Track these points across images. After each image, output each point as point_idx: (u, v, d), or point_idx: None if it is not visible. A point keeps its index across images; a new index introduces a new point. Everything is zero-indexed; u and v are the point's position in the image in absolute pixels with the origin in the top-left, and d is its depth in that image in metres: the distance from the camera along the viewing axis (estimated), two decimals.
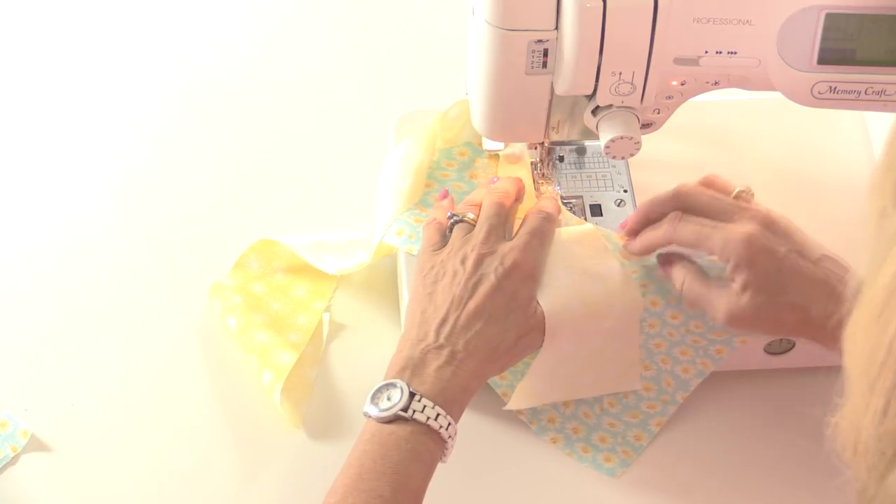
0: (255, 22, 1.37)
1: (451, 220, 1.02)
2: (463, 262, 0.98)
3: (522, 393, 1.01)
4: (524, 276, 0.97)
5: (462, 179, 1.11)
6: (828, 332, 0.96)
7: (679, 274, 1.01)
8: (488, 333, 0.95)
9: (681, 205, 1.01)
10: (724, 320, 0.99)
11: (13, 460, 1.03)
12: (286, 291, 1.13)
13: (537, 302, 0.98)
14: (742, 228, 0.98)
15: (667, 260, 1.03)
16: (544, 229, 1.01)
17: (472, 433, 1.03)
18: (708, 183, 1.04)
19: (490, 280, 0.96)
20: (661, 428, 1.04)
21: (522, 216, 1.04)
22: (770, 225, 0.98)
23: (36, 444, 1.04)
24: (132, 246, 1.18)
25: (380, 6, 1.39)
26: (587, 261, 1.01)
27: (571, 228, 1.04)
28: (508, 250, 0.98)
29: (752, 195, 1.04)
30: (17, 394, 1.07)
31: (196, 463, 1.04)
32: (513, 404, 1.02)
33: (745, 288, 0.97)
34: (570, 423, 1.04)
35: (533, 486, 1.03)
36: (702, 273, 1.01)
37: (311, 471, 1.03)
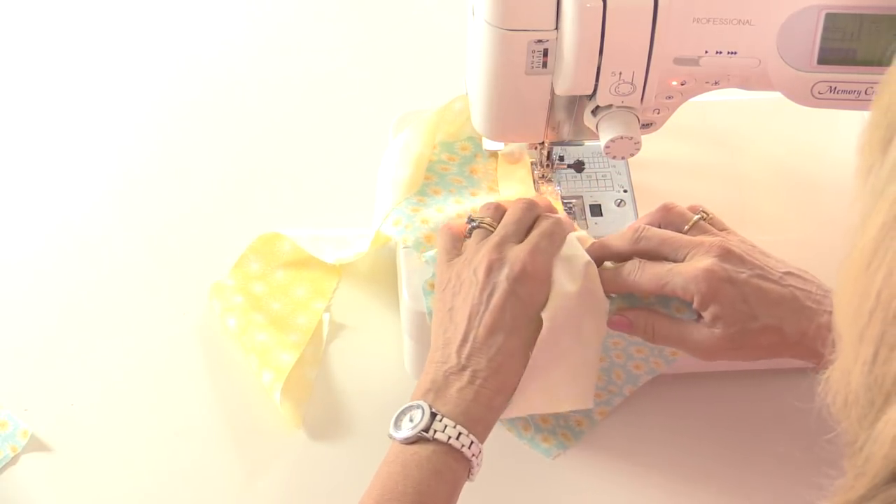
0: (254, 22, 1.37)
1: (470, 226, 1.02)
2: (475, 271, 0.97)
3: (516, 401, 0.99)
4: (536, 279, 0.96)
5: (462, 174, 1.11)
6: (804, 346, 0.96)
7: (644, 323, 1.00)
8: (510, 347, 0.94)
9: (635, 251, 1.00)
10: (703, 357, 0.98)
11: (13, 460, 1.03)
12: (286, 291, 1.13)
13: None
14: (699, 264, 0.97)
15: (620, 322, 1.00)
16: (554, 231, 0.99)
17: None
18: (665, 210, 1.03)
19: (503, 287, 0.95)
20: (604, 417, 1.04)
21: None
22: (726, 255, 0.97)
23: (36, 444, 1.04)
24: (132, 246, 1.18)
25: (380, 6, 1.39)
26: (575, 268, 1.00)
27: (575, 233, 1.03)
28: (517, 254, 0.96)
29: (711, 216, 1.03)
30: (17, 394, 1.07)
31: (196, 463, 1.04)
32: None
33: (715, 321, 0.96)
34: None
35: (530, 483, 1.03)
36: (666, 315, 1.00)
37: (311, 471, 1.03)
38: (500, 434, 1.05)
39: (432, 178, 1.10)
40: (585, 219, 1.09)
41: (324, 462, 1.04)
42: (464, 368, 0.92)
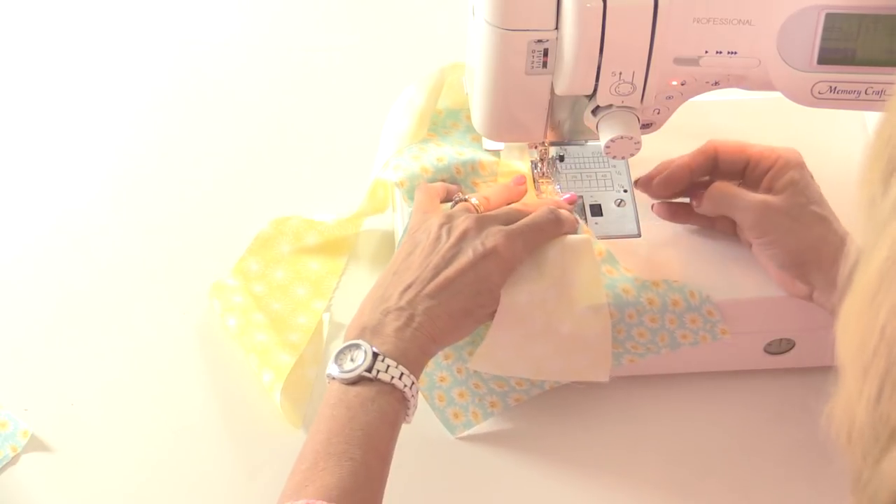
0: (255, 20, 1.37)
1: (456, 199, 1.03)
2: (449, 230, 0.98)
3: (485, 357, 1.00)
4: (501, 261, 0.97)
5: (464, 139, 1.11)
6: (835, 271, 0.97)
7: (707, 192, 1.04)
8: (450, 306, 0.95)
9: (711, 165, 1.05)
10: (755, 212, 1.00)
11: (13, 460, 1.03)
12: (286, 291, 1.13)
13: None
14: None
15: (660, 209, 1.07)
16: (544, 228, 1.00)
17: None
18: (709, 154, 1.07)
19: (467, 256, 0.96)
20: (518, 404, 1.04)
21: None
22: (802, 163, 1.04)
23: (36, 444, 1.04)
24: (132, 245, 1.18)
25: (380, 5, 1.39)
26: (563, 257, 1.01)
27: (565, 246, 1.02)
28: (495, 232, 0.97)
29: None
30: (17, 394, 1.07)
31: (196, 463, 1.04)
32: (474, 365, 1.01)
33: (787, 186, 1.00)
34: (439, 372, 1.04)
35: (528, 482, 1.03)
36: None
37: None
38: (503, 428, 1.05)
39: (434, 137, 1.11)
40: (585, 219, 1.09)
41: None
42: (402, 310, 0.93)
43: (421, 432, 1.03)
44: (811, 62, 0.96)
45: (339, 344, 1.09)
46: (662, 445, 1.05)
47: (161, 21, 1.36)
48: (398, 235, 1.07)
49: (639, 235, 1.08)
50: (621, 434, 1.05)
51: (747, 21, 0.94)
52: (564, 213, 1.02)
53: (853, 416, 0.63)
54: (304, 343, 1.09)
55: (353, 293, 1.14)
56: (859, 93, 0.97)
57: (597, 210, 1.10)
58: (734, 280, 1.04)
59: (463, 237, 0.97)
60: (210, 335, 1.11)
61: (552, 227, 1.01)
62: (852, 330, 0.63)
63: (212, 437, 1.05)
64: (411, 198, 1.05)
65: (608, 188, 1.11)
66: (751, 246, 1.04)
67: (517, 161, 1.11)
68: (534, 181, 1.10)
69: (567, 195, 1.08)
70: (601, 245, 1.04)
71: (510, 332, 0.98)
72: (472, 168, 1.08)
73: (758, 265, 1.04)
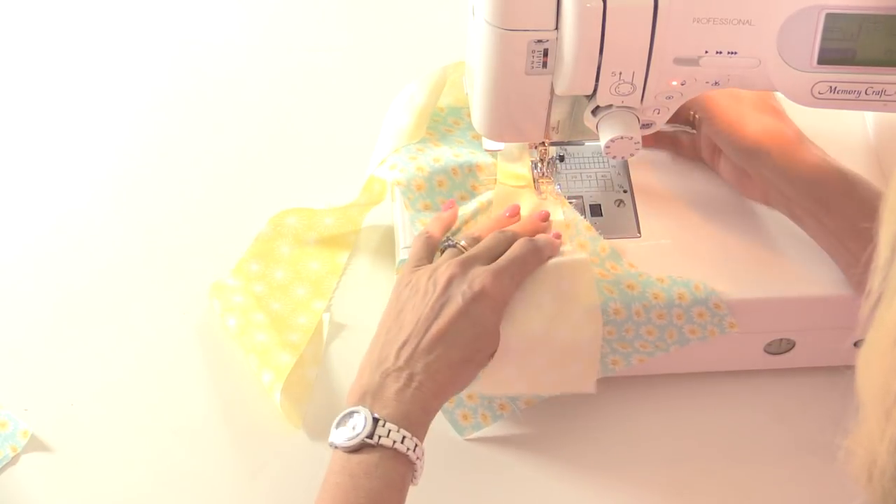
0: (255, 20, 1.37)
1: (444, 244, 1.02)
2: (435, 281, 0.97)
3: (490, 379, 0.99)
4: (491, 301, 0.96)
5: (465, 136, 1.11)
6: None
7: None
8: (449, 358, 0.94)
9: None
10: (711, 100, 1.03)
11: (13, 460, 1.03)
12: (286, 291, 1.13)
13: None
14: None
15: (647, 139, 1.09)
16: (527, 259, 0.99)
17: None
18: None
19: (456, 302, 0.95)
20: (528, 407, 1.04)
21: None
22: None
23: (36, 444, 1.04)
24: (132, 245, 1.18)
25: (380, 5, 1.39)
26: (563, 283, 1.00)
27: (561, 260, 1.02)
28: (479, 274, 0.96)
29: None
30: (17, 394, 1.07)
31: (196, 463, 1.04)
32: (480, 389, 1.00)
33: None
34: None
35: (527, 481, 1.03)
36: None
37: (311, 471, 1.03)
38: (506, 427, 1.05)
39: (434, 135, 1.10)
40: (585, 218, 1.09)
41: (324, 462, 1.03)
42: (401, 370, 0.92)
43: (429, 432, 1.03)
44: (811, 62, 0.96)
45: (339, 344, 1.11)
46: (663, 445, 1.05)
47: (161, 21, 1.36)
48: (397, 228, 1.07)
49: (639, 235, 1.08)
50: (622, 433, 1.05)
51: (747, 21, 0.94)
52: (542, 239, 1.01)
53: (874, 456, 0.63)
54: (305, 343, 1.09)
55: (354, 293, 1.14)
56: (859, 93, 0.96)
57: (597, 210, 1.10)
58: (734, 280, 1.04)
59: (448, 284, 0.96)
60: (210, 335, 1.11)
61: (534, 258, 1.00)
62: (875, 370, 0.63)
63: (212, 438, 1.05)
64: (408, 196, 1.05)
65: (608, 188, 1.11)
66: (717, 163, 1.08)
67: (517, 161, 1.11)
68: (534, 181, 1.10)
69: (541, 212, 1.06)
70: (604, 242, 1.05)
71: (513, 347, 0.98)
72: (470, 170, 1.08)
73: (758, 265, 1.04)
